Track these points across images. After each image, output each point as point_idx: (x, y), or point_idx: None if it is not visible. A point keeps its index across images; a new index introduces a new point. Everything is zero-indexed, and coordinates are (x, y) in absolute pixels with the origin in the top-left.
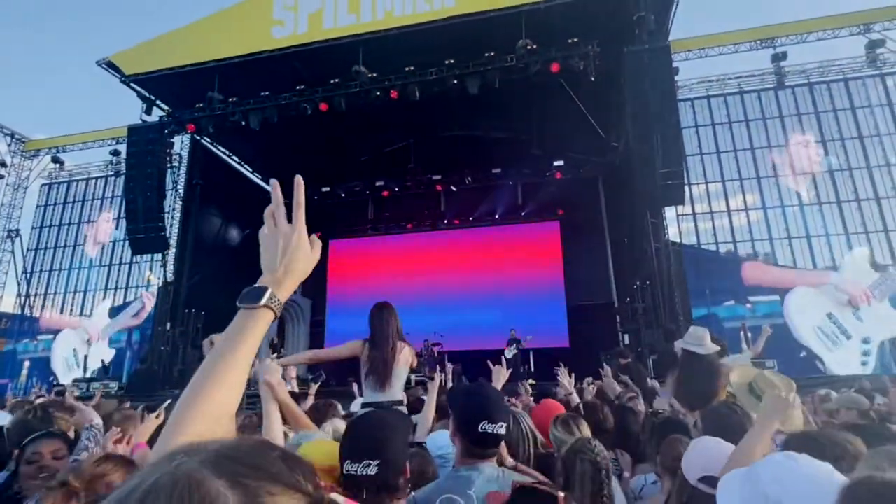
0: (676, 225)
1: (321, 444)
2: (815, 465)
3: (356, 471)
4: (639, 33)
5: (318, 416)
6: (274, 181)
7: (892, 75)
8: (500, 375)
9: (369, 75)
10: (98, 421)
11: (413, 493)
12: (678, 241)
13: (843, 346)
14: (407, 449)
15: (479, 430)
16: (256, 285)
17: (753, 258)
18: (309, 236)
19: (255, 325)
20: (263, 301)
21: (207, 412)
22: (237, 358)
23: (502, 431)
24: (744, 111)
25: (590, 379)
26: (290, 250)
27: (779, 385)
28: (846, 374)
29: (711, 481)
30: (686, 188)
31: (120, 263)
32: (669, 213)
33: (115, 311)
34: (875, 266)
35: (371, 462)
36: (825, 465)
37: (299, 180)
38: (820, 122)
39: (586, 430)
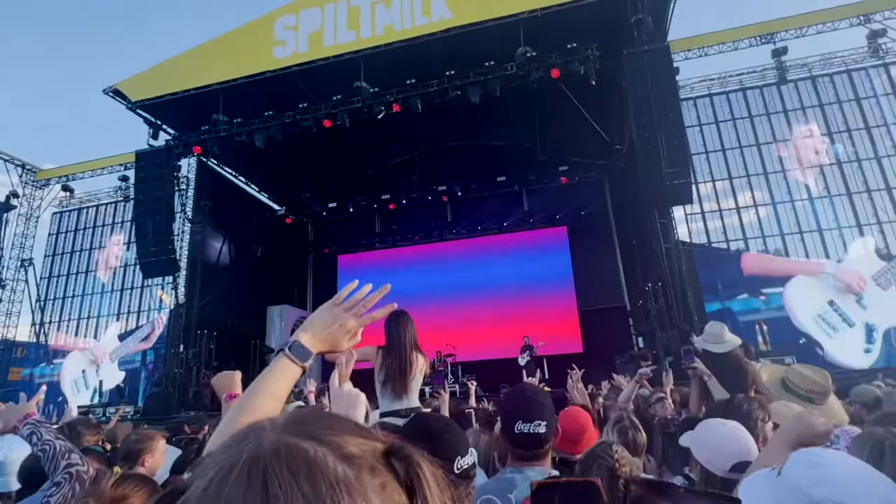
0: (686, 224)
1: None
2: (851, 460)
3: (529, 429)
4: (637, 35)
5: None
6: (387, 286)
7: (895, 64)
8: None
9: (371, 90)
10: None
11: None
12: (688, 240)
13: (844, 333)
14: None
15: (516, 430)
16: (303, 344)
17: (763, 253)
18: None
19: (290, 377)
20: (308, 363)
21: None
22: (273, 397)
23: (541, 430)
24: (747, 107)
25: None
26: (338, 335)
27: (813, 377)
28: (848, 361)
29: (744, 466)
30: (693, 187)
31: (132, 288)
32: (678, 212)
33: (124, 336)
34: (881, 255)
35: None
36: (857, 459)
37: (386, 287)
38: (825, 114)
39: (642, 438)
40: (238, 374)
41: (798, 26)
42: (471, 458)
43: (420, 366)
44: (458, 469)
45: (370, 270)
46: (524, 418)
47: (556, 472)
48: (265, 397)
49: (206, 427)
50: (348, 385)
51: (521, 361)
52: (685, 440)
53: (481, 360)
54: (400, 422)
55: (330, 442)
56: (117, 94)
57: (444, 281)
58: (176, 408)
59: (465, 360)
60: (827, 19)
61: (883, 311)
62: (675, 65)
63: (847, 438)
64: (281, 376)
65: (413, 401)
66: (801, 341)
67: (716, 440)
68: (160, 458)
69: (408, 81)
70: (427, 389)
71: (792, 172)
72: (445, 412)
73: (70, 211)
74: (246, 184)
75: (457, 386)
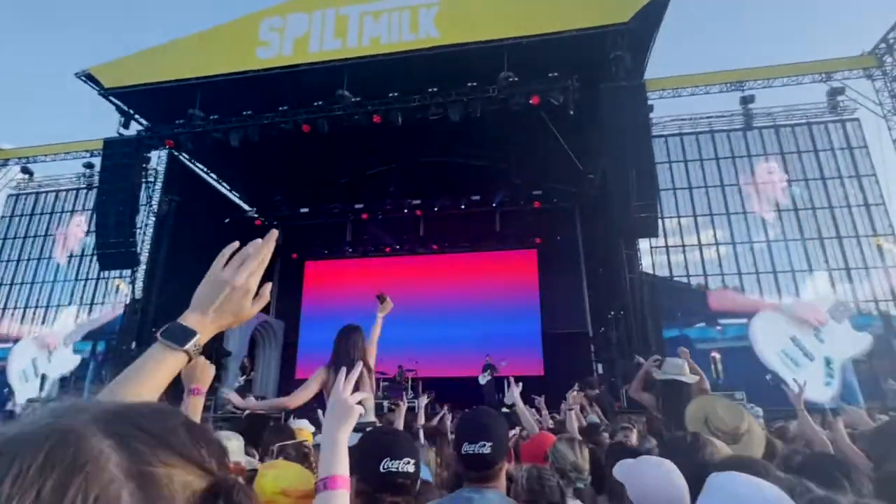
0: (650, 257)
1: (291, 468)
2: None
3: (397, 468)
4: (616, 71)
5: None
6: (274, 232)
7: (851, 121)
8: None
9: (353, 99)
10: None
11: None
12: (651, 272)
13: (806, 367)
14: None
15: (463, 451)
16: (185, 324)
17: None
18: (263, 283)
19: (167, 366)
20: (188, 346)
21: None
22: (144, 393)
23: (485, 451)
24: (714, 149)
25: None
26: (234, 300)
27: (724, 417)
28: (810, 395)
29: None
30: (659, 221)
31: (87, 279)
32: (643, 244)
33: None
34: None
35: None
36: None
37: (274, 234)
38: (785, 162)
39: (586, 456)
40: (212, 370)
41: (766, 77)
42: (406, 464)
43: (368, 381)
44: (383, 469)
45: (337, 277)
46: (470, 439)
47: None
48: (132, 388)
49: None
50: (349, 395)
51: (482, 381)
52: (619, 473)
53: (443, 377)
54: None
55: (135, 450)
56: (90, 78)
57: (412, 295)
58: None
59: (426, 376)
60: (792, 73)
61: (838, 345)
62: (650, 102)
63: None
64: (154, 365)
65: (368, 415)
66: (767, 377)
67: (649, 482)
68: None
69: (390, 94)
70: (386, 403)
71: (752, 215)
72: (400, 424)
73: (27, 194)
74: (217, 181)
75: (416, 401)
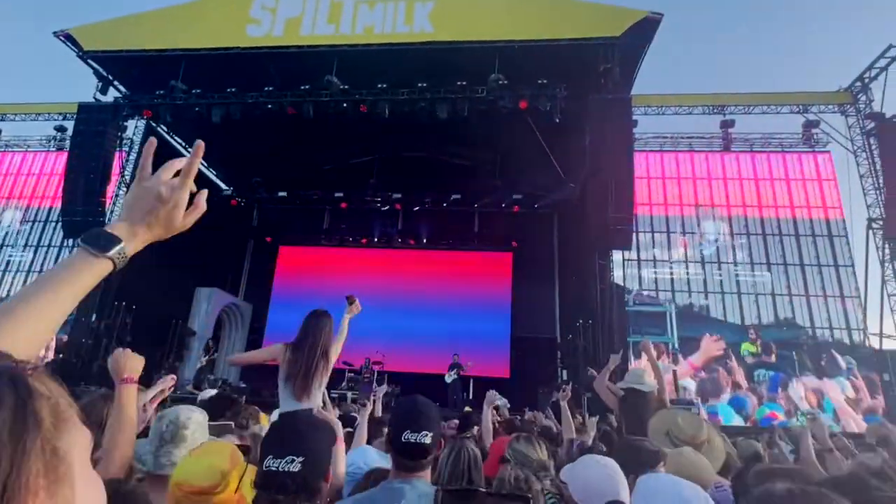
0: (622, 269)
1: (203, 460)
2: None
3: (277, 466)
4: (604, 83)
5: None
6: (199, 143)
7: (823, 153)
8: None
9: (341, 87)
10: None
11: (339, 502)
12: (622, 284)
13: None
14: (329, 452)
15: (403, 438)
16: (109, 230)
17: (689, 309)
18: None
19: (90, 273)
20: (111, 253)
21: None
22: (59, 298)
23: (426, 440)
24: (692, 169)
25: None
26: (165, 210)
27: (684, 427)
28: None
29: None
30: (634, 235)
31: (49, 245)
32: (616, 256)
33: None
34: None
35: (295, 458)
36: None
37: (200, 145)
38: (759, 189)
39: (546, 451)
40: (141, 361)
41: (746, 103)
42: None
43: (326, 371)
44: (403, 439)
45: (311, 264)
46: (412, 428)
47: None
48: (48, 294)
49: (105, 411)
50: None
51: (448, 379)
52: (564, 474)
53: (409, 372)
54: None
55: None
56: (69, 39)
57: (384, 287)
58: (77, 381)
59: (392, 370)
60: (772, 102)
61: None
62: (635, 117)
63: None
64: (73, 272)
65: (314, 403)
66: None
67: (591, 478)
68: None
69: (379, 85)
70: (350, 395)
71: (722, 238)
72: (364, 423)
73: None
74: None
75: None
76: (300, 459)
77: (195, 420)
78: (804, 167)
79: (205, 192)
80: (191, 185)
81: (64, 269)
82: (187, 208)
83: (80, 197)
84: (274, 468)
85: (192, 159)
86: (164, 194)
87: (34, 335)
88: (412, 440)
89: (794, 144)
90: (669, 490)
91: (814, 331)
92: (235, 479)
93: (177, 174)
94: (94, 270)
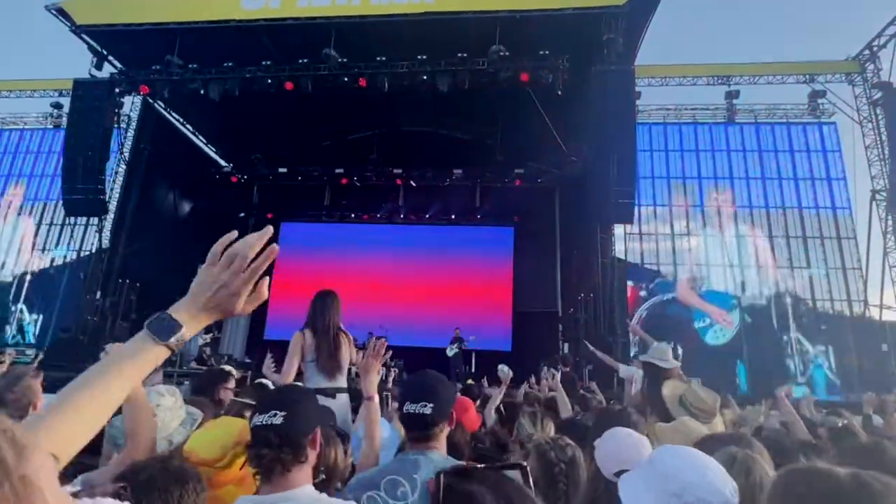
0: (623, 242)
1: (209, 433)
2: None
3: (261, 421)
4: (607, 54)
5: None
6: (269, 228)
7: (828, 124)
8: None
9: (339, 60)
10: None
11: (357, 475)
12: (624, 258)
13: None
14: (319, 417)
15: (404, 410)
16: (173, 316)
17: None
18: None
19: (152, 358)
20: (172, 340)
21: (71, 422)
22: (123, 384)
23: (426, 411)
24: (695, 141)
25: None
26: (221, 298)
27: (704, 398)
28: None
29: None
30: (636, 208)
31: (51, 224)
32: (618, 230)
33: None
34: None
35: (277, 412)
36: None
37: (269, 231)
38: (762, 160)
39: (550, 428)
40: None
41: (751, 73)
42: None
43: (349, 345)
44: (405, 410)
45: (312, 241)
46: (412, 399)
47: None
48: (113, 378)
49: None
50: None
51: (450, 353)
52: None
53: (411, 346)
54: (328, 401)
55: None
56: (61, 13)
57: (386, 263)
58: (83, 358)
59: (395, 344)
60: (777, 72)
61: None
62: (638, 89)
63: None
64: (137, 357)
65: (342, 381)
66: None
67: (620, 447)
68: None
69: (378, 58)
70: (353, 369)
71: (725, 209)
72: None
73: None
74: (193, 133)
75: (384, 369)
76: (282, 413)
77: (164, 406)
78: (808, 138)
79: (266, 281)
80: (256, 278)
81: (128, 356)
82: (251, 293)
83: (79, 175)
84: (258, 423)
85: (264, 259)
86: (230, 286)
87: (96, 418)
88: (412, 411)
89: (800, 115)
90: (688, 464)
91: (814, 302)
92: (241, 456)
93: (248, 258)
94: (156, 355)
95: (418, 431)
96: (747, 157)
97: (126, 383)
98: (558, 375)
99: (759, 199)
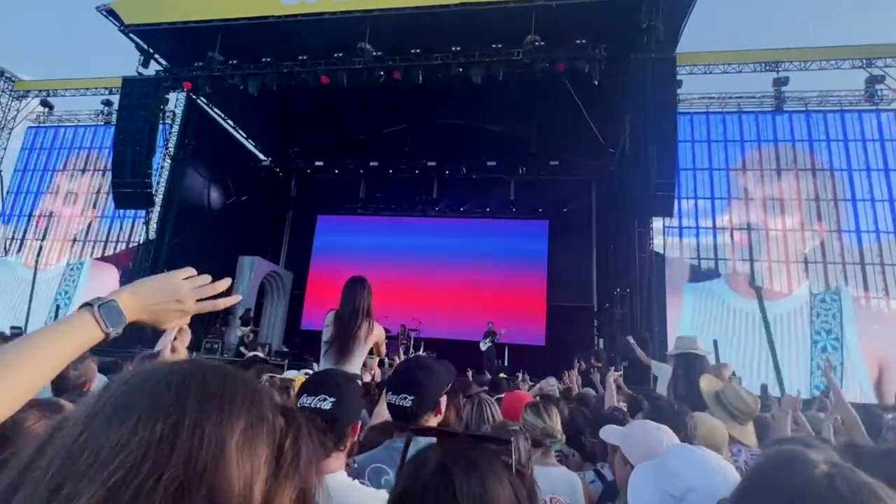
0: (662, 237)
1: None
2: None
3: (310, 403)
4: (647, 42)
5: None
6: (228, 279)
7: (888, 111)
8: None
9: (374, 53)
10: None
11: (354, 458)
12: (662, 252)
13: None
14: (362, 406)
15: (388, 400)
16: (121, 306)
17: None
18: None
19: (86, 342)
20: (112, 332)
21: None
22: (58, 355)
23: (406, 403)
24: (741, 131)
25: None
26: (174, 310)
27: (746, 399)
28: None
29: None
30: (676, 201)
31: (102, 216)
32: (656, 223)
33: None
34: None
35: (327, 397)
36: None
37: (227, 281)
38: (812, 150)
39: (556, 418)
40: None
41: (802, 59)
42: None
43: (369, 335)
44: (389, 401)
45: (348, 233)
46: (394, 390)
47: None
48: (44, 353)
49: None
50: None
51: (483, 346)
52: (610, 435)
53: (444, 338)
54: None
55: None
56: (111, 13)
57: (420, 255)
58: (134, 342)
59: (428, 336)
60: (830, 57)
61: None
62: (679, 78)
63: (748, 455)
64: (75, 336)
65: (353, 367)
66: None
67: (647, 439)
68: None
69: (412, 51)
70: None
71: (770, 202)
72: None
73: (47, 128)
74: (234, 128)
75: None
76: (332, 399)
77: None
78: (865, 127)
79: (188, 319)
80: (198, 309)
81: (66, 329)
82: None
83: (128, 169)
84: (306, 404)
85: (220, 302)
86: (184, 303)
87: (17, 392)
88: (393, 402)
89: (856, 102)
90: (700, 463)
91: (868, 299)
92: None
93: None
94: (89, 338)
95: (401, 421)
96: (797, 147)
97: (54, 359)
98: (573, 373)
99: (810, 192)
